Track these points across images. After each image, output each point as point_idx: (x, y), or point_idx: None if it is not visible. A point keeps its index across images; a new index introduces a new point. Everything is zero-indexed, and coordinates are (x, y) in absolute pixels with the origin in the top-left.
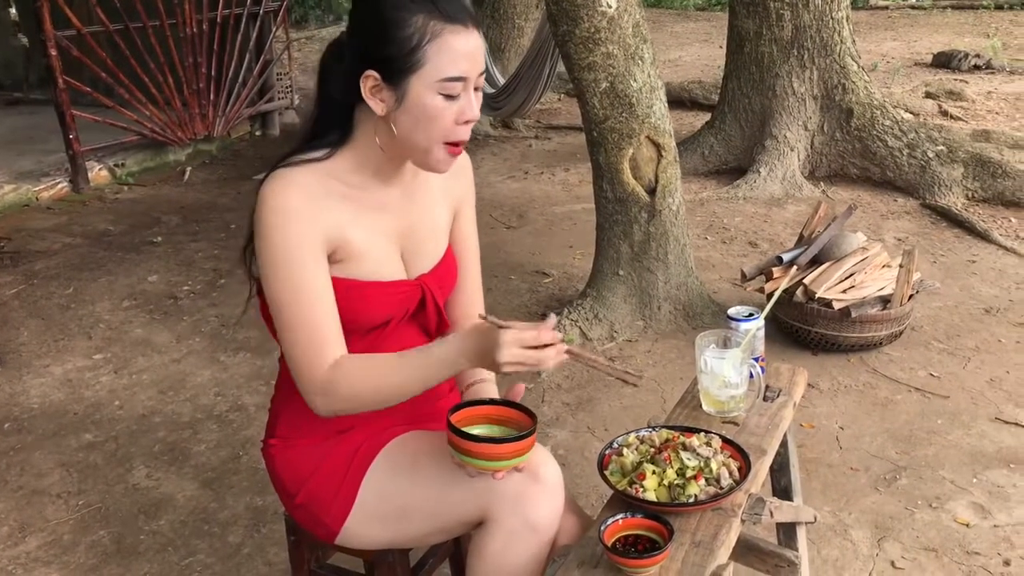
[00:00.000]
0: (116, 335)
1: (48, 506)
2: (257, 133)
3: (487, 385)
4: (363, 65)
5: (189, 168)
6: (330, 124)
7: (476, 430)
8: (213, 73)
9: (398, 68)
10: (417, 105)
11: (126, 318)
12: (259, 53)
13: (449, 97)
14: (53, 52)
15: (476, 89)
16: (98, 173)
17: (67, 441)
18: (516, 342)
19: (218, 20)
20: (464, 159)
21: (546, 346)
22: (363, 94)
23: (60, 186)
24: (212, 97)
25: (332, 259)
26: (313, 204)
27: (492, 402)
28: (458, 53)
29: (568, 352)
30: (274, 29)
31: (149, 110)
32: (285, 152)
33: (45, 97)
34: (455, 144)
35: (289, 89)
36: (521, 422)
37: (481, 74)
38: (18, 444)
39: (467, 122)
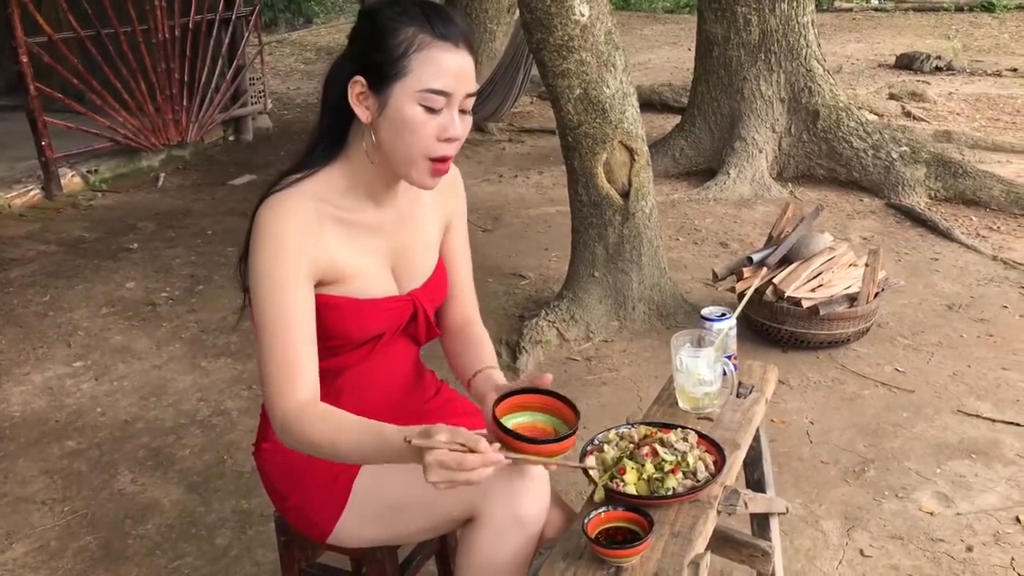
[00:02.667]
0: (95, 342)
1: (34, 513)
2: (231, 138)
3: (493, 372)
4: (354, 71)
5: (163, 174)
6: (328, 134)
7: (518, 418)
8: (186, 79)
9: (383, 74)
10: (398, 114)
11: (105, 325)
12: (232, 58)
13: (430, 110)
14: (24, 59)
15: (463, 112)
16: (71, 180)
17: (50, 449)
18: (438, 464)
19: (190, 26)
20: (455, 173)
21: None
22: (350, 100)
23: (32, 193)
24: (185, 103)
25: (324, 281)
26: (307, 233)
27: (530, 391)
28: (443, 67)
29: (509, 458)
30: (246, 34)
31: (122, 116)
32: (284, 170)
33: (15, 103)
34: (439, 161)
35: (262, 94)
36: (561, 410)
37: (469, 96)
38: (0, 452)
39: (449, 140)
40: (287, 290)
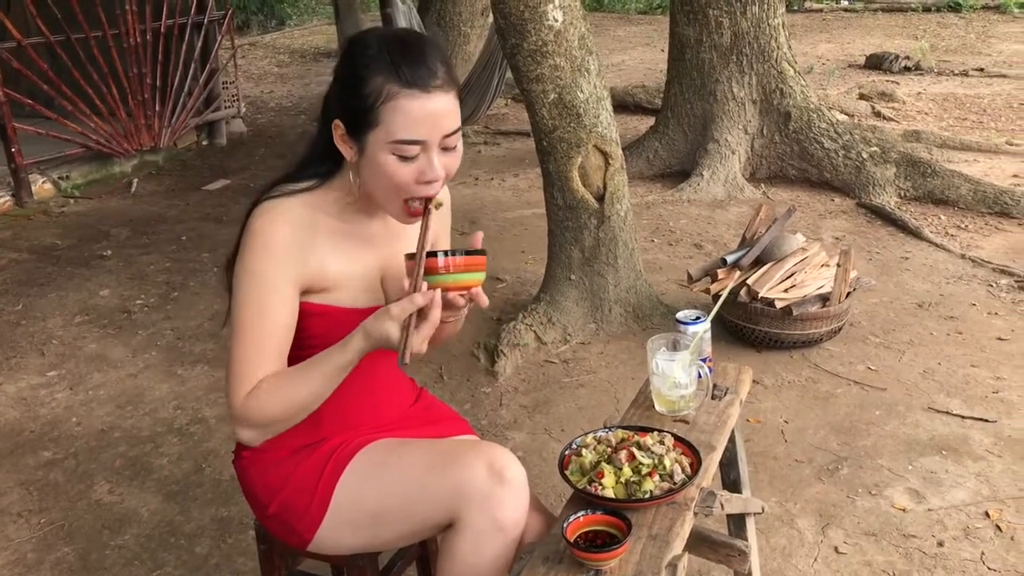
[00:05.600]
0: (70, 351)
1: (9, 525)
2: (204, 143)
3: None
4: (336, 112)
5: (136, 180)
6: (324, 154)
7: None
8: (158, 83)
9: (358, 123)
10: (373, 161)
11: (79, 334)
12: (204, 62)
13: (404, 158)
14: None
15: (446, 149)
16: (42, 186)
17: (25, 460)
18: (401, 315)
19: (162, 30)
20: (444, 193)
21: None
22: (335, 139)
23: (3, 200)
24: (158, 107)
25: (312, 289)
26: (299, 240)
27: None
28: (412, 117)
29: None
30: (219, 38)
31: (94, 122)
32: (277, 178)
33: None
34: (415, 200)
35: (235, 98)
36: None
37: (448, 135)
38: None
39: (428, 182)
40: (271, 293)
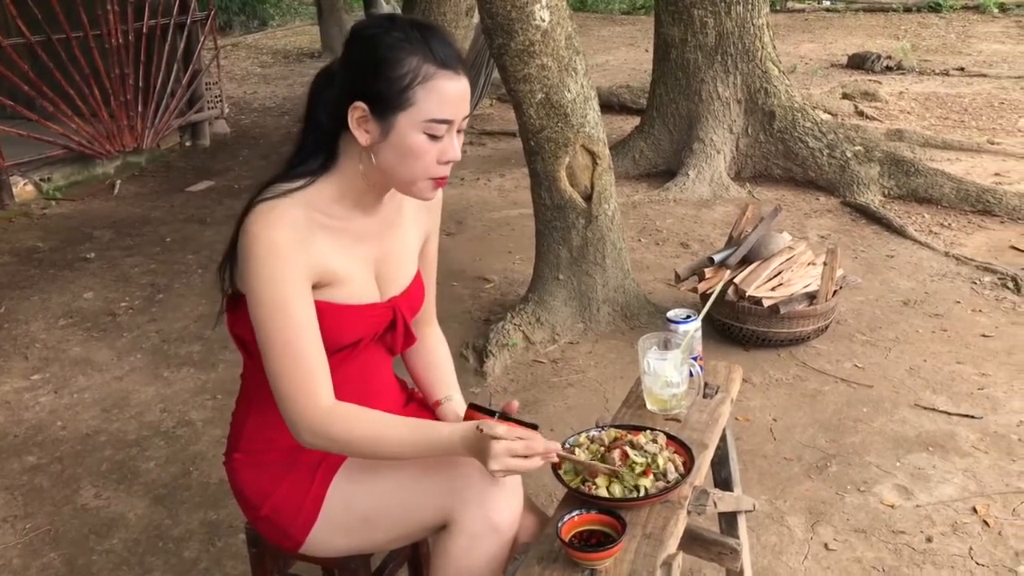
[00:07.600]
0: (54, 354)
1: None
2: (187, 144)
3: (455, 404)
4: (352, 96)
5: (119, 181)
6: (315, 149)
7: None
8: (141, 84)
9: (387, 104)
10: (401, 142)
11: (63, 337)
12: (187, 63)
13: (433, 137)
14: None
15: (459, 131)
16: (23, 188)
17: (9, 465)
18: (507, 452)
19: (144, 31)
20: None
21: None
22: (349, 123)
23: None
24: (140, 108)
25: (317, 285)
26: (300, 239)
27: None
28: (446, 97)
29: (560, 456)
30: (202, 39)
31: (75, 123)
32: (267, 179)
33: None
34: (437, 179)
35: (218, 99)
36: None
37: (465, 118)
38: None
39: (447, 162)
40: (290, 293)
